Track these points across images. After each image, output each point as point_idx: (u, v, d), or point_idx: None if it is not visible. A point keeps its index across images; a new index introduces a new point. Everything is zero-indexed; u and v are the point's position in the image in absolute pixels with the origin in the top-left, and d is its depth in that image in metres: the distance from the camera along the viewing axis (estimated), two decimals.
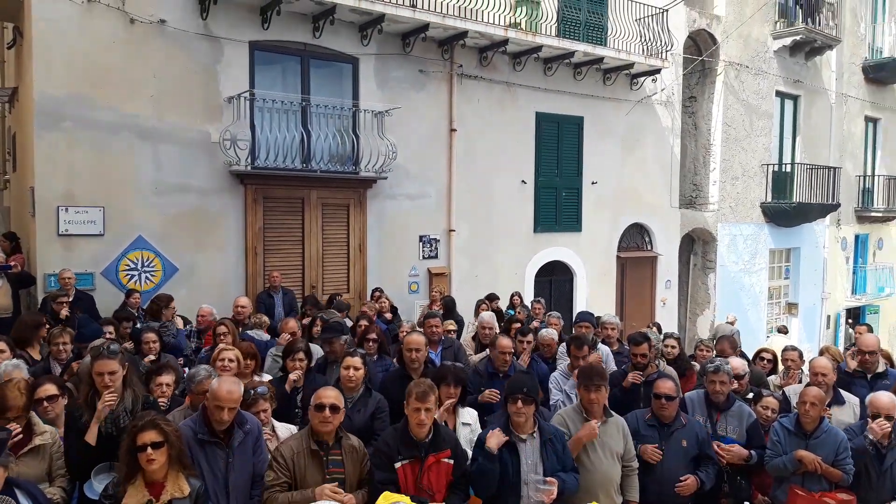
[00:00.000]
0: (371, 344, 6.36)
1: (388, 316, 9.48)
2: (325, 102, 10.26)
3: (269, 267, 9.94)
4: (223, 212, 9.65)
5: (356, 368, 4.89)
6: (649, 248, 14.98)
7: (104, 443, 4.00)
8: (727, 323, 13.81)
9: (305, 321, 8.05)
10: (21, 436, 3.83)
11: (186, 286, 9.26)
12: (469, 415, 4.95)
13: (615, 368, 6.43)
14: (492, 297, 10.41)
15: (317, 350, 6.27)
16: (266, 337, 7.47)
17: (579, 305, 13.47)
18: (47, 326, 6.23)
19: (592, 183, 13.62)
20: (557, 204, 13.26)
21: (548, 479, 4.03)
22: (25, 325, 6.09)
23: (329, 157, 10.34)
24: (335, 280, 10.69)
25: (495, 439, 4.09)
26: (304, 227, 10.31)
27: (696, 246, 16.45)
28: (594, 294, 13.87)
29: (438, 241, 11.81)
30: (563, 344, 6.63)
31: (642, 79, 13.97)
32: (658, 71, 13.74)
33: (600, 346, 6.79)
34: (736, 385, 5.74)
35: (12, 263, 8.48)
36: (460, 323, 9.44)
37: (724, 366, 5.29)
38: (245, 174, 9.64)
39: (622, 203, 14.18)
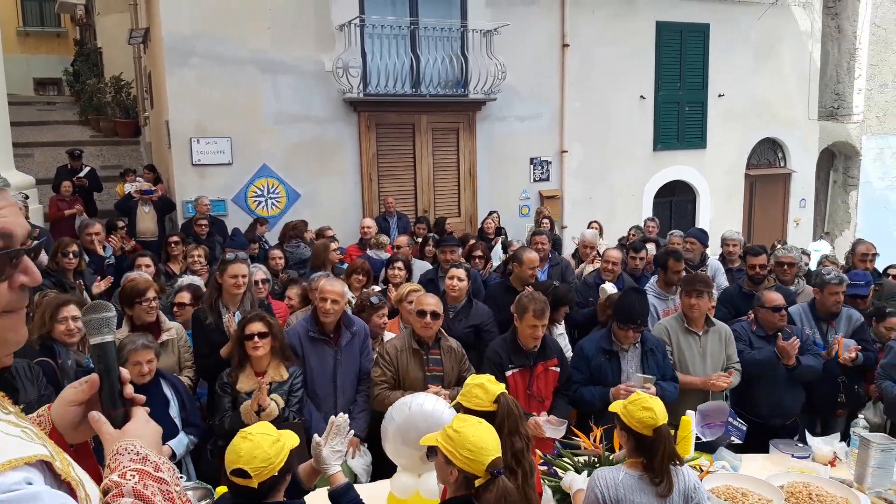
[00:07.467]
0: (477, 260, 6.52)
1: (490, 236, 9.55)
2: (433, 24, 10.21)
3: (383, 192, 10.28)
4: (339, 139, 10.01)
5: (460, 279, 5.04)
6: (782, 164, 13.93)
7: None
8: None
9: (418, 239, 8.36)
10: None
11: (309, 211, 9.79)
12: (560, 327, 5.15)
13: (727, 284, 6.20)
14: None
15: (422, 266, 6.58)
16: (386, 256, 7.84)
17: (703, 227, 12.86)
18: (181, 243, 6.99)
19: (719, 96, 12.77)
20: (680, 120, 12.59)
21: (646, 376, 4.07)
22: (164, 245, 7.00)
23: (438, 81, 10.37)
24: (447, 204, 10.87)
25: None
26: (415, 153, 10.50)
27: (836, 161, 15.10)
28: (719, 215, 13.20)
29: (550, 163, 11.63)
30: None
31: None
32: None
33: (711, 260, 6.58)
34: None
35: (154, 189, 9.32)
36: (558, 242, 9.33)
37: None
38: (358, 101, 9.89)
39: (752, 117, 13.19)
